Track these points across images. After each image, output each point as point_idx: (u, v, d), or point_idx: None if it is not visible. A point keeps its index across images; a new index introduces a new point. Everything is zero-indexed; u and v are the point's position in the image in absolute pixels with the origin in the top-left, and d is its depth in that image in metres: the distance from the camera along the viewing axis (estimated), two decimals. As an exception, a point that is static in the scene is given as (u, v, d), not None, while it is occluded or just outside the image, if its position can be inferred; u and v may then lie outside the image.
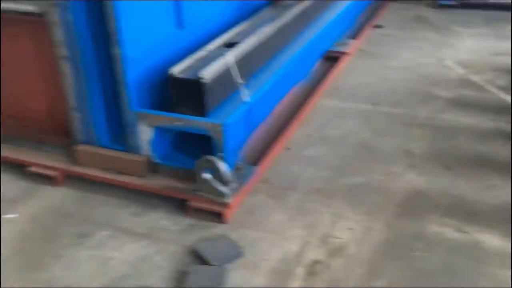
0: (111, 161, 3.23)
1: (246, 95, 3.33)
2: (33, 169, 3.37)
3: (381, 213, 2.98)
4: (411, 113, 4.11)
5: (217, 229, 2.90)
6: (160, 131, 3.14)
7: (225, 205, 2.92)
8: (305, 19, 4.61)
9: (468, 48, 5.46)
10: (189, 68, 3.15)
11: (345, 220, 2.93)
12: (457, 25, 6.18)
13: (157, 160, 3.18)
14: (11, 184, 3.35)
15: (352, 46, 5.37)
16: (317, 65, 5.02)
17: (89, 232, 2.91)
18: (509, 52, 5.23)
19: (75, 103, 3.19)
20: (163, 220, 2.99)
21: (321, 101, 4.39)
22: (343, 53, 5.15)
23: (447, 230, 2.82)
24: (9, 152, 3.49)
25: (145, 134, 3.11)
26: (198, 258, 2.67)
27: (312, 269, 2.59)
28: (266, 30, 3.84)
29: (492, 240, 2.73)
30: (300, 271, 2.59)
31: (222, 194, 2.92)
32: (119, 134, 3.22)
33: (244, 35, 3.72)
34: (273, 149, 3.54)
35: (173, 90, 3.10)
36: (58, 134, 3.43)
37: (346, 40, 5.46)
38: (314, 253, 2.70)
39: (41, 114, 3.47)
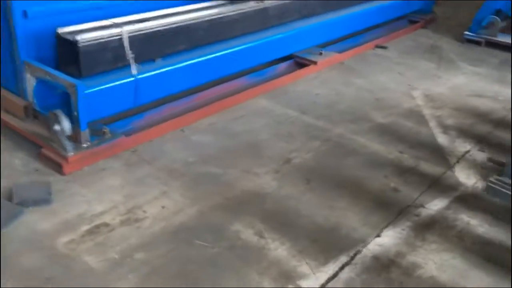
0: (5, 101, 3.60)
1: (135, 69, 3.53)
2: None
3: (205, 201, 3.05)
4: (327, 128, 4.06)
5: (52, 177, 3.14)
6: (45, 83, 3.44)
7: (65, 158, 3.16)
8: (266, 18, 4.67)
9: (452, 84, 5.19)
10: (79, 31, 3.39)
11: (166, 199, 3.05)
12: (465, 62, 5.87)
13: (37, 108, 3.49)
14: None
15: (331, 58, 5.35)
16: (283, 67, 5.10)
17: (-48, 155, 3.30)
18: (493, 96, 4.93)
19: (-14, 45, 3.59)
20: (17, 160, 3.29)
21: (256, 99, 4.46)
22: (313, 62, 5.16)
23: (247, 232, 2.83)
24: None
25: (29, 82, 3.42)
26: (10, 195, 2.93)
27: (95, 229, 2.75)
28: (195, 16, 3.99)
29: (279, 250, 2.71)
30: (84, 228, 2.76)
31: (64, 148, 3.16)
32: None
33: (170, 16, 3.90)
34: (160, 126, 3.72)
35: (59, 49, 3.38)
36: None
37: (329, 51, 5.45)
38: (111, 217, 2.85)
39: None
